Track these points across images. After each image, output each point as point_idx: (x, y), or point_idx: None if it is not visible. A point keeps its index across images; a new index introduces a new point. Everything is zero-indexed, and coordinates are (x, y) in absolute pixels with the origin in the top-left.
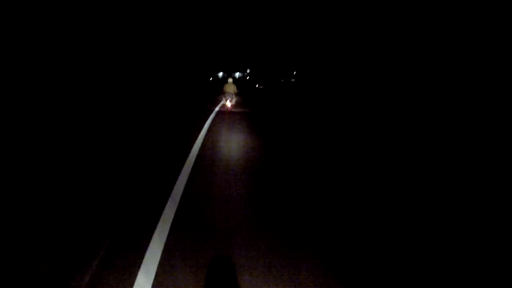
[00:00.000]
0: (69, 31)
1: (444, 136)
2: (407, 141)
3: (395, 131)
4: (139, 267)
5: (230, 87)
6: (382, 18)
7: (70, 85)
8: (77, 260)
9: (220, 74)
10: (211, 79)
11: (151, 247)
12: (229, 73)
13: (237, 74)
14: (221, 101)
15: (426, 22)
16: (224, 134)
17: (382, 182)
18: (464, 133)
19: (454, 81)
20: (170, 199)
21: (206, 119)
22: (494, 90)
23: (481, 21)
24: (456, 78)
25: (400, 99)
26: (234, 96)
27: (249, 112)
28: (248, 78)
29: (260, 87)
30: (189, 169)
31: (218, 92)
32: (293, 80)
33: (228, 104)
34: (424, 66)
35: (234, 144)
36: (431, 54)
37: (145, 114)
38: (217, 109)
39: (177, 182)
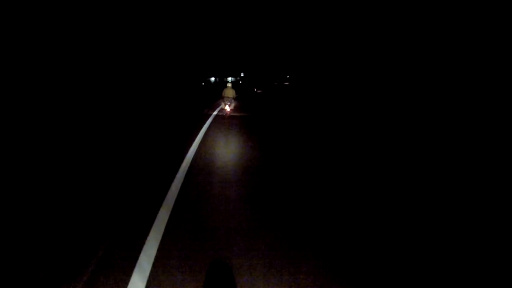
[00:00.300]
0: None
1: (443, 135)
2: (405, 142)
3: (392, 132)
4: (133, 267)
5: (229, 92)
6: (374, 22)
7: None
8: (75, 260)
9: (212, 79)
10: (203, 84)
11: (146, 247)
12: (221, 78)
13: (230, 79)
14: (217, 106)
15: (421, 23)
16: (224, 135)
17: (381, 182)
18: (464, 132)
19: (448, 81)
20: (165, 201)
21: (206, 121)
22: (494, 90)
23: (481, 21)
24: (449, 77)
25: (395, 98)
26: (233, 100)
27: (247, 116)
28: (241, 82)
29: (258, 91)
30: (192, 167)
31: (213, 97)
32: (286, 83)
33: (227, 108)
34: (419, 67)
35: (235, 146)
36: (426, 56)
37: (141, 116)
38: (215, 113)
39: (175, 181)
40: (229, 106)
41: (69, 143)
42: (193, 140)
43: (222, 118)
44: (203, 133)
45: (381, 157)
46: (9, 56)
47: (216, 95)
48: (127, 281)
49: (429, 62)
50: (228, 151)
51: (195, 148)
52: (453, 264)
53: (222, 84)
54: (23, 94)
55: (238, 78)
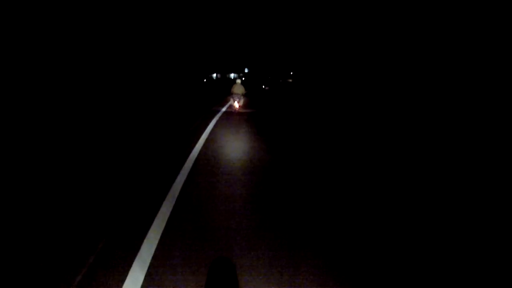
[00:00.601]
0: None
1: (443, 135)
2: (407, 141)
3: (394, 131)
4: (131, 264)
5: (239, 88)
6: (379, 20)
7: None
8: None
9: (214, 75)
10: (205, 80)
11: (145, 244)
12: (223, 74)
13: (232, 75)
14: (224, 102)
15: (424, 22)
16: (232, 132)
17: (382, 183)
18: (464, 132)
19: (452, 81)
20: (167, 197)
21: (214, 117)
22: (494, 90)
23: (481, 21)
24: (455, 78)
25: (398, 97)
26: (242, 97)
27: (254, 112)
28: (244, 79)
29: (266, 88)
30: (197, 166)
31: (218, 93)
32: (290, 80)
33: (236, 105)
34: (422, 67)
35: (241, 142)
36: (429, 56)
37: (146, 113)
38: (224, 109)
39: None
40: (238, 102)
41: (77, 140)
42: (199, 137)
43: (230, 114)
44: (211, 129)
45: (383, 156)
46: (9, 56)
47: (220, 92)
48: (123, 280)
49: (429, 61)
50: (234, 146)
51: (202, 142)
52: (453, 263)
53: (224, 81)
54: (24, 93)
55: (241, 74)
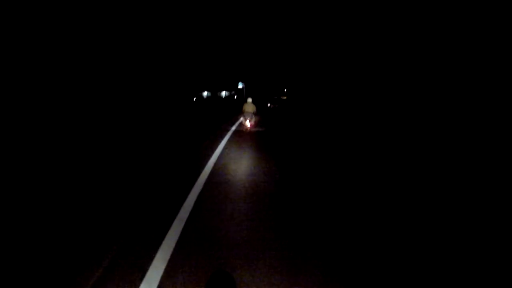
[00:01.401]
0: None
1: (443, 136)
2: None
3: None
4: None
5: (250, 107)
6: (370, 35)
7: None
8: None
9: (205, 93)
10: (194, 99)
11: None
12: (213, 92)
13: (224, 93)
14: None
15: (419, 32)
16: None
17: (384, 187)
18: (464, 133)
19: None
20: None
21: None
22: (494, 90)
23: (481, 21)
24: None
25: (393, 106)
26: (253, 116)
27: (264, 131)
28: (236, 97)
29: (271, 106)
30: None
31: (215, 116)
32: (284, 97)
33: (248, 124)
34: (417, 79)
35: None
36: (425, 67)
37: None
38: (234, 128)
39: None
40: (249, 121)
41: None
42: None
43: (241, 133)
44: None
45: (386, 162)
46: (9, 56)
47: (216, 114)
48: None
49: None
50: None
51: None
52: (453, 264)
53: (216, 99)
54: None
55: (233, 92)
